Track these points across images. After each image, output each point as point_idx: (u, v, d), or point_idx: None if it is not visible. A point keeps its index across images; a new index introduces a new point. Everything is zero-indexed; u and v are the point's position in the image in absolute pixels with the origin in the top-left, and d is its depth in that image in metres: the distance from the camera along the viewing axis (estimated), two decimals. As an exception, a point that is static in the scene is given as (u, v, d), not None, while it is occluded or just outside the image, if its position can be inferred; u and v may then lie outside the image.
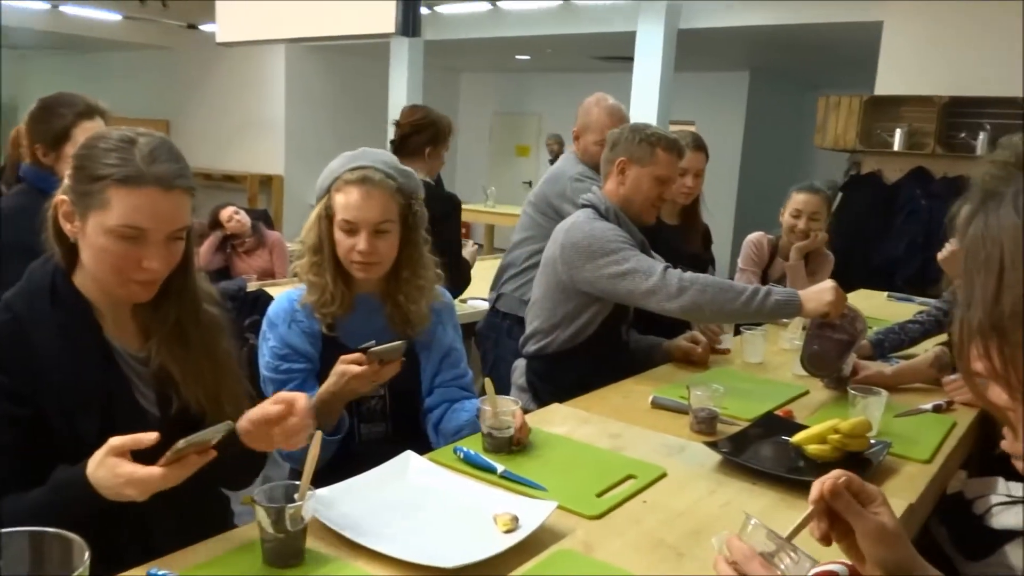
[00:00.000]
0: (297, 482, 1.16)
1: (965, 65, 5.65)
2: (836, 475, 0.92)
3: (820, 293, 2.00)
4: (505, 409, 1.58)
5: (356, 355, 1.52)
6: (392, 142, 2.92)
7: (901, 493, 1.51)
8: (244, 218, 4.39)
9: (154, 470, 1.07)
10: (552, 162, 8.82)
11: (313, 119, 10.34)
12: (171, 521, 1.30)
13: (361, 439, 1.72)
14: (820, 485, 0.91)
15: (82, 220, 1.22)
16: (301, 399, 1.23)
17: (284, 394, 1.25)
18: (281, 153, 10.18)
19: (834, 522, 0.92)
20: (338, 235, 1.65)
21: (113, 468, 1.06)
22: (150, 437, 1.08)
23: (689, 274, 2.03)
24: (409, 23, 5.84)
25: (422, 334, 1.76)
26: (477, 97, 12.69)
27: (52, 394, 1.19)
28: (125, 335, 1.32)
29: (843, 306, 1.99)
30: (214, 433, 1.12)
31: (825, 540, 0.92)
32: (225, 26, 6.82)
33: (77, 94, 2.20)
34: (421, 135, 2.85)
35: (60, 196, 1.24)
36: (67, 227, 1.24)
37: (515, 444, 1.57)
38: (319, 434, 1.22)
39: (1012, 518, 1.73)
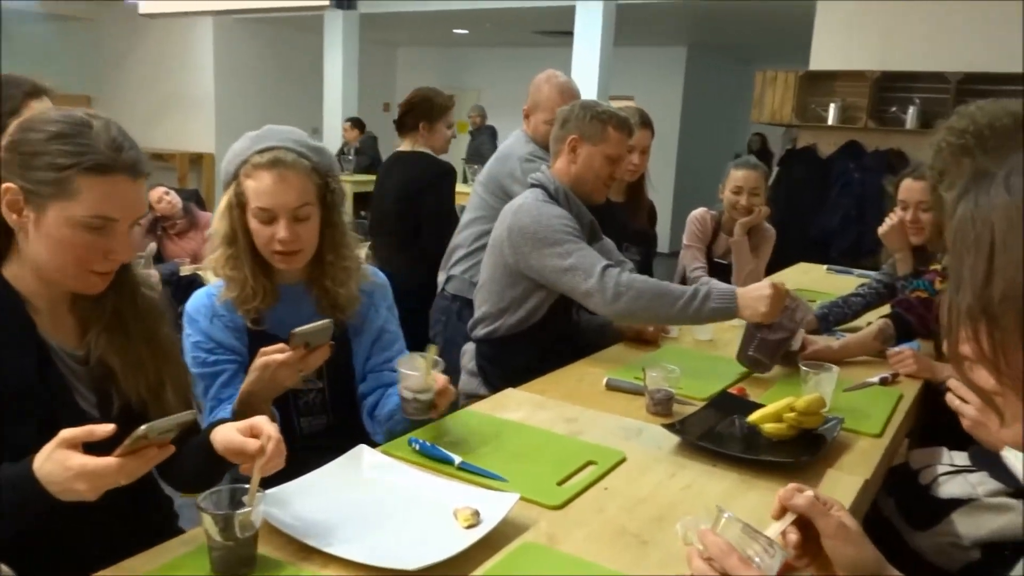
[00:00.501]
0: (245, 485, 1.10)
1: (895, 41, 5.77)
2: (792, 486, 0.90)
3: (756, 301, 1.94)
4: (414, 373, 1.47)
5: (278, 345, 1.39)
6: (395, 122, 3.20)
7: (856, 469, 1.52)
8: (174, 199, 4.21)
9: (109, 461, 1.00)
10: (472, 134, 8.73)
11: (245, 94, 10.03)
12: (108, 527, 1.23)
13: (302, 433, 1.64)
14: (781, 500, 0.90)
15: (38, 210, 1.13)
16: (270, 427, 1.15)
17: (256, 424, 1.17)
18: (211, 130, 9.87)
19: (806, 542, 0.90)
20: (254, 224, 1.53)
21: (63, 461, 0.99)
22: (105, 428, 1.01)
23: (627, 276, 1.98)
24: (344, -5, 5.69)
25: (353, 317, 1.66)
26: (415, 72, 12.47)
27: None
28: (61, 332, 1.23)
29: (779, 310, 1.95)
30: (176, 421, 1.05)
31: (798, 551, 0.90)
32: (149, -3, 6.54)
33: (21, 75, 2.07)
34: (414, 111, 3.06)
35: (5, 186, 1.13)
36: (11, 217, 1.14)
37: (433, 410, 1.50)
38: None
39: (957, 487, 1.77)
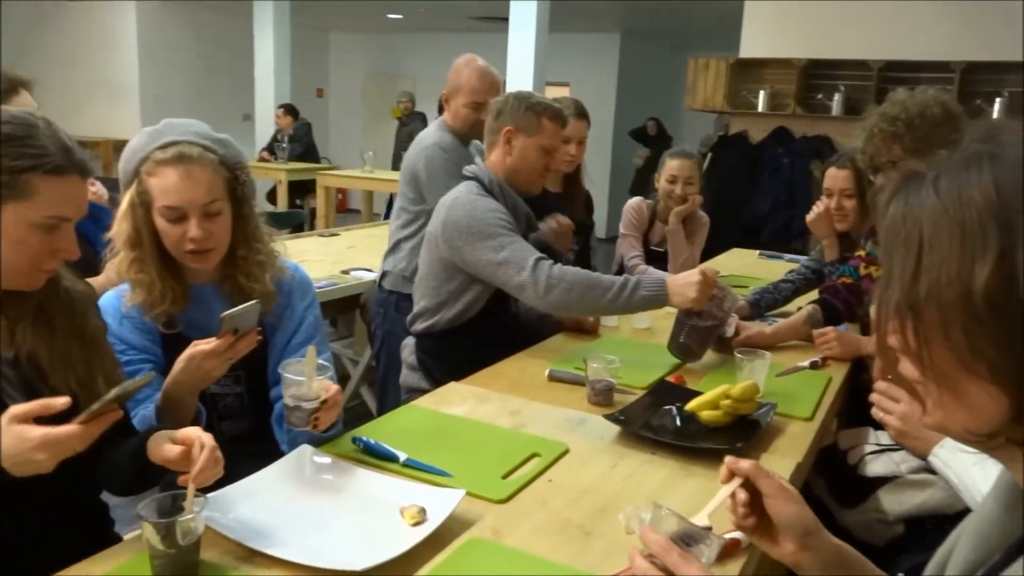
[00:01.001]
0: (184, 489, 1.08)
1: (821, 29, 5.93)
2: (733, 458, 0.94)
3: (686, 288, 1.98)
4: (299, 378, 1.37)
5: (203, 341, 1.35)
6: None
7: (788, 452, 1.58)
8: (100, 189, 4.04)
9: (71, 428, 1.02)
10: (403, 121, 8.62)
11: (171, 80, 9.71)
12: (44, 535, 1.20)
13: (224, 438, 1.58)
14: (728, 464, 0.93)
15: None
16: (203, 437, 1.14)
17: (187, 435, 1.16)
18: (136, 117, 9.52)
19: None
20: (161, 224, 1.46)
21: (21, 434, 1.00)
22: (60, 401, 1.03)
23: (558, 269, 2.00)
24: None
25: (269, 315, 1.60)
26: (348, 58, 12.28)
27: None
28: None
29: (708, 297, 2.00)
30: (136, 384, 1.10)
31: (746, 510, 0.93)
32: (66, -21, 6.27)
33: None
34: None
35: None
36: None
37: (314, 421, 1.37)
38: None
39: (881, 465, 1.86)
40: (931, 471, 1.80)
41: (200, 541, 1.07)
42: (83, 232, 1.66)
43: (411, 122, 8.59)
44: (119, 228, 1.49)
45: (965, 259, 0.58)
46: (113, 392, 1.06)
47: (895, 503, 1.80)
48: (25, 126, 1.14)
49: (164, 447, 1.16)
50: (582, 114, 2.80)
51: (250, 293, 1.54)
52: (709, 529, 0.89)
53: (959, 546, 0.75)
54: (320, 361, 1.39)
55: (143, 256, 1.48)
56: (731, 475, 0.94)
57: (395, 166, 8.98)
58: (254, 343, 1.41)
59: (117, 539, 1.33)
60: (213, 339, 1.35)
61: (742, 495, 0.93)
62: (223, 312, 1.40)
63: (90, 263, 1.64)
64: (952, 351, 0.61)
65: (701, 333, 2.05)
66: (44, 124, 1.17)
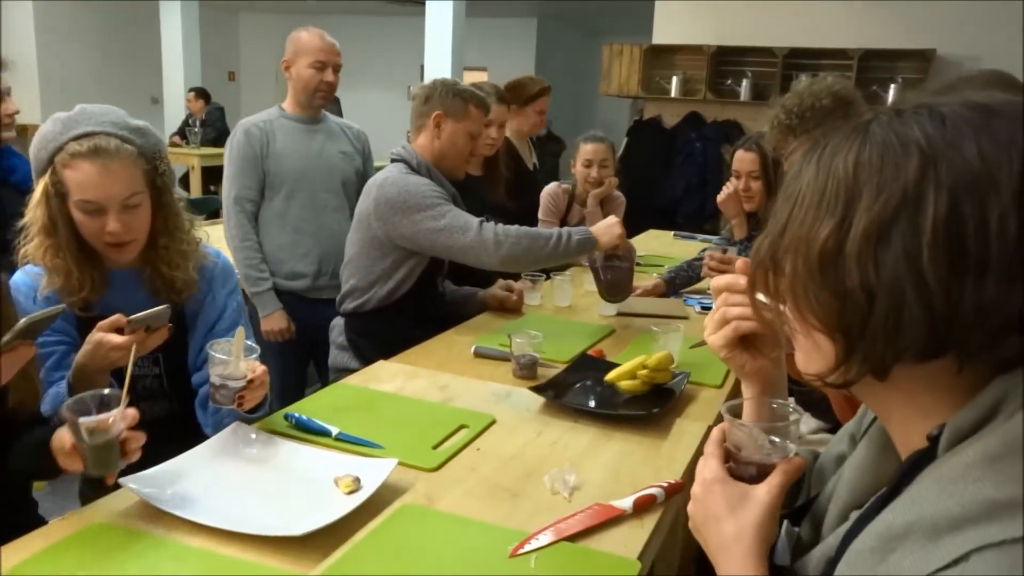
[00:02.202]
0: (107, 391, 1.16)
1: (729, 17, 6.14)
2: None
3: (609, 228, 2.17)
4: (226, 357, 1.38)
5: (113, 319, 1.34)
6: None
7: (700, 416, 1.69)
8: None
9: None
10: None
11: (73, 62, 9.28)
12: None
13: (144, 419, 1.59)
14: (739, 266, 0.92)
15: None
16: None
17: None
18: (36, 100, 9.08)
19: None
20: (78, 216, 1.44)
21: None
22: None
23: (501, 227, 2.09)
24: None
25: (191, 302, 1.61)
26: (259, 41, 11.98)
27: None
28: None
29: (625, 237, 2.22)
30: (50, 313, 1.16)
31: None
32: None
33: None
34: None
35: None
36: None
37: (239, 399, 1.38)
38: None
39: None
40: (830, 431, 1.95)
41: (115, 441, 1.15)
42: None
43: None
44: (33, 215, 1.47)
45: (815, 221, 0.66)
46: (22, 322, 1.08)
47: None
48: None
49: (62, 437, 1.18)
50: (503, 99, 2.87)
51: (172, 281, 1.55)
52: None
53: (837, 490, 0.82)
54: (248, 343, 1.41)
55: (58, 244, 1.46)
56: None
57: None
58: (163, 338, 1.41)
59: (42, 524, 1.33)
60: (118, 318, 1.34)
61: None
62: (141, 296, 1.39)
63: None
64: (794, 301, 0.69)
65: (623, 272, 2.29)
66: None
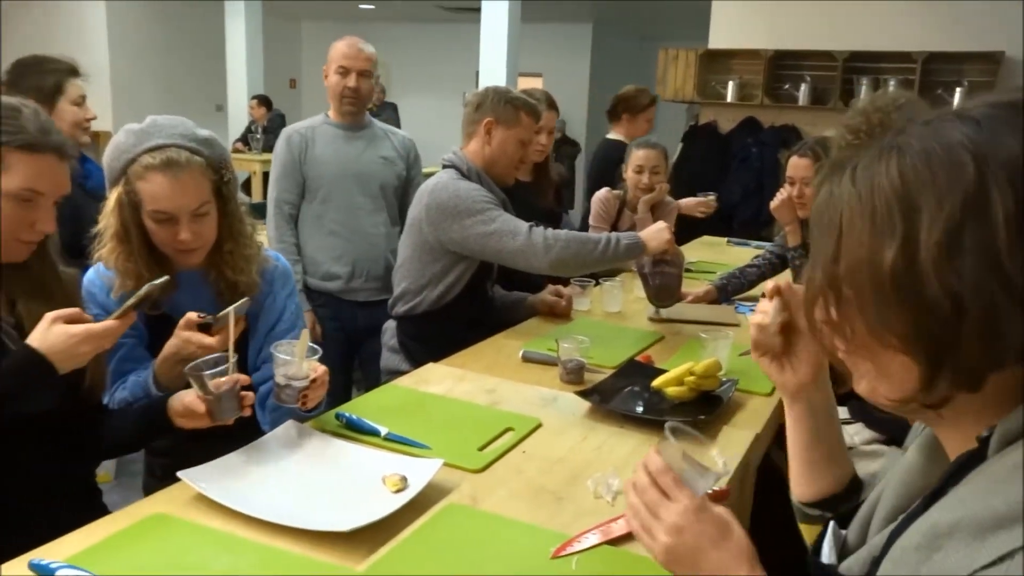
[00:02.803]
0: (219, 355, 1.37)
1: (787, 20, 6.05)
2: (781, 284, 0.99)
3: (658, 233, 2.21)
4: (290, 358, 1.44)
5: (191, 318, 1.46)
6: (607, 112, 4.14)
7: (748, 424, 1.68)
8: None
9: (107, 323, 1.26)
10: (371, 111, 8.56)
11: (143, 72, 9.63)
12: (36, 517, 1.28)
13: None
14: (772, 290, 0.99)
15: None
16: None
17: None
18: (108, 107, 9.44)
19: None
20: (150, 225, 1.52)
21: (66, 330, 1.21)
22: (89, 317, 1.26)
23: (551, 231, 2.12)
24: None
25: (253, 303, 1.64)
26: (320, 48, 12.16)
27: None
28: None
29: (672, 241, 2.23)
30: (157, 285, 1.33)
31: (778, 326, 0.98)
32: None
33: (58, 55, 2.47)
34: (617, 107, 4.02)
35: None
36: None
37: (303, 398, 1.44)
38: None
39: (840, 439, 1.96)
40: (883, 442, 1.91)
41: (233, 391, 1.35)
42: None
43: (383, 112, 8.60)
44: (107, 222, 1.54)
45: (875, 241, 0.65)
46: (144, 289, 1.31)
47: (849, 473, 1.90)
48: (8, 108, 1.27)
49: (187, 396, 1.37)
50: (552, 105, 2.90)
51: (235, 284, 1.61)
52: (705, 467, 0.91)
53: (885, 494, 0.83)
54: (310, 344, 1.47)
55: (130, 250, 1.53)
56: (776, 293, 0.98)
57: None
58: (243, 326, 1.51)
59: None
60: (212, 338, 1.46)
61: (781, 319, 0.97)
62: (206, 298, 1.49)
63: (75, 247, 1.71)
64: (867, 325, 0.67)
65: (672, 278, 2.32)
66: (29, 110, 1.29)
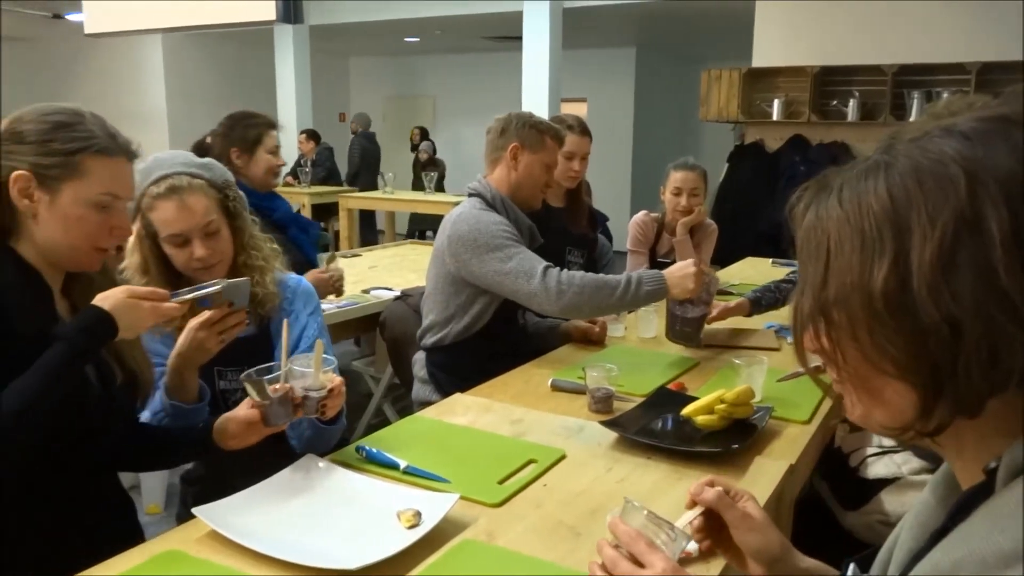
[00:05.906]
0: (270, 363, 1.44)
1: (833, 36, 5.94)
2: (704, 481, 0.98)
3: (683, 279, 2.10)
4: (307, 370, 1.45)
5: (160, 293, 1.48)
6: None
7: (784, 454, 1.61)
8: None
9: (173, 303, 1.33)
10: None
11: (198, 110, 9.93)
12: (78, 538, 1.30)
13: None
14: (691, 494, 0.98)
15: (51, 193, 1.25)
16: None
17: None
18: (165, 147, 9.78)
19: (717, 532, 0.98)
20: (169, 250, 1.62)
21: (136, 305, 1.27)
22: (163, 292, 1.33)
23: (566, 274, 2.07)
24: (290, 10, 5.70)
25: (274, 321, 1.72)
26: (368, 81, 12.50)
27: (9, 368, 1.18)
28: (62, 308, 1.35)
29: (702, 285, 2.12)
30: (235, 283, 1.46)
31: (702, 534, 0.98)
32: (94, 16, 6.47)
33: (256, 110, 2.89)
34: None
35: (17, 173, 1.24)
36: (23, 203, 1.26)
37: (321, 409, 1.45)
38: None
39: (883, 467, 1.88)
40: (931, 471, 1.82)
41: (287, 397, 1.39)
42: (296, 242, 2.56)
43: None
44: (130, 260, 1.64)
45: (865, 264, 0.61)
46: (221, 285, 1.42)
47: (897, 504, 1.81)
48: (73, 114, 1.29)
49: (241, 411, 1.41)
50: (585, 131, 2.86)
51: (253, 295, 1.66)
52: (673, 527, 0.92)
53: (902, 536, 0.78)
54: (325, 355, 1.49)
55: (151, 282, 1.60)
56: (694, 503, 0.97)
57: (414, 187, 9.11)
58: (244, 321, 1.55)
59: (140, 532, 1.47)
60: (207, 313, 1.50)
61: (698, 523, 0.97)
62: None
63: (305, 270, 1.92)
64: (860, 351, 0.63)
65: (696, 321, 2.21)
66: (90, 115, 1.32)
